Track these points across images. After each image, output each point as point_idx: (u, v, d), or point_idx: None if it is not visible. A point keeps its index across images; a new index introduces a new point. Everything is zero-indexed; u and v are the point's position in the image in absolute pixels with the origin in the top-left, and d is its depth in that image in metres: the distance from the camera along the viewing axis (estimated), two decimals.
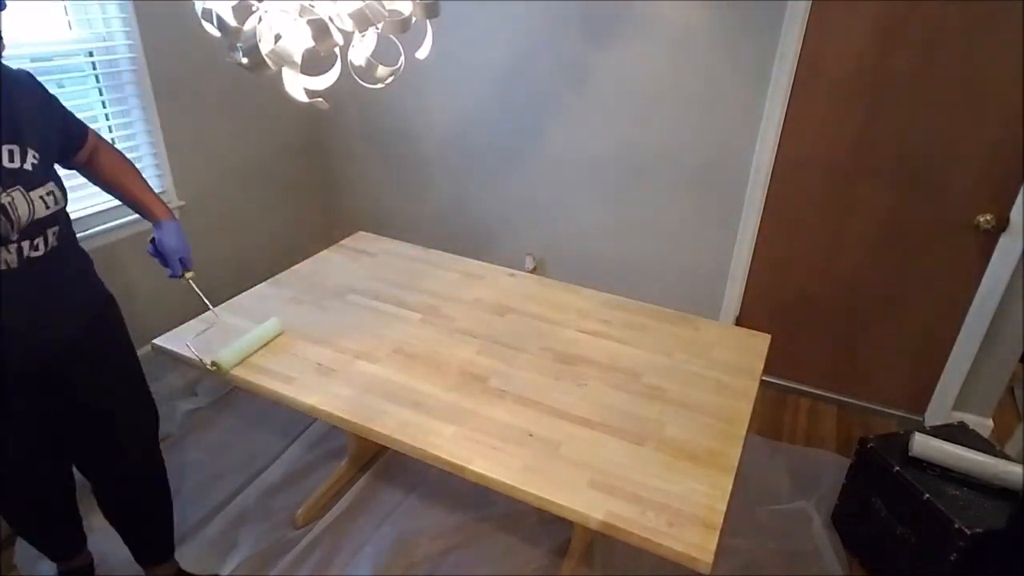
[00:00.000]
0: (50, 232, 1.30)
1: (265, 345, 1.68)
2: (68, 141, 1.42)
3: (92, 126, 2.42)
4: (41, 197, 1.25)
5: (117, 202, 2.30)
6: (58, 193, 1.30)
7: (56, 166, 1.37)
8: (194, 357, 1.61)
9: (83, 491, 2.11)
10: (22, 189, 1.22)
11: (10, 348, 1.30)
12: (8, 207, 1.19)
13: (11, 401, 1.38)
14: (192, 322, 1.79)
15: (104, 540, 1.95)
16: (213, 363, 1.56)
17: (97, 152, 1.51)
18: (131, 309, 2.59)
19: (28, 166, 1.24)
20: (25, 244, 1.24)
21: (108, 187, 1.58)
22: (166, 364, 2.57)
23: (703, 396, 1.56)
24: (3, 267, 1.22)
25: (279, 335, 1.73)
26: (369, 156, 3.21)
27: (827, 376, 2.73)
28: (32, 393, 1.40)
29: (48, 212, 1.27)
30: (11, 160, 1.21)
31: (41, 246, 1.28)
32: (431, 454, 1.36)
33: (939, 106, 2.16)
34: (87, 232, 2.34)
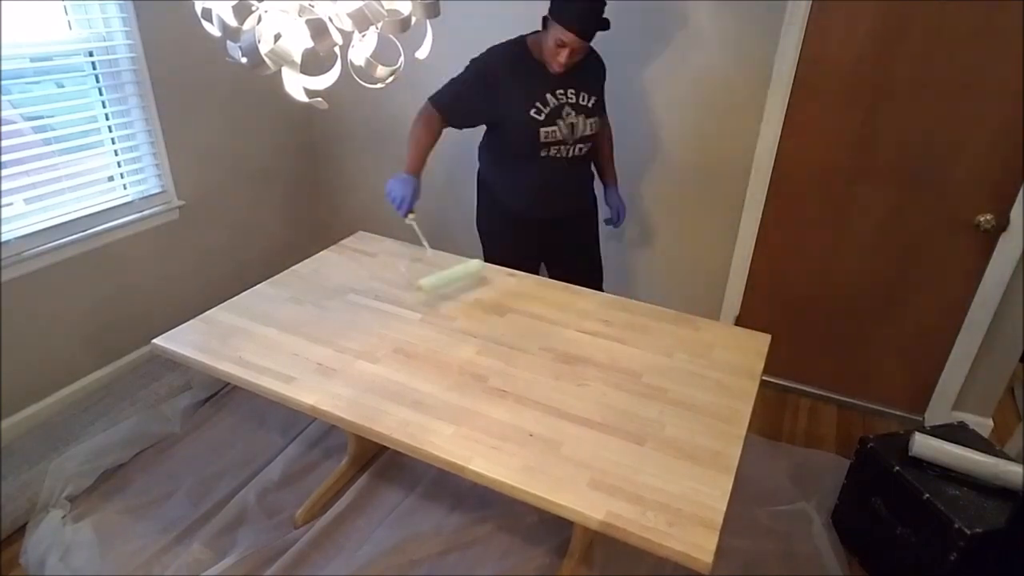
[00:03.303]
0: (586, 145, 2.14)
1: (465, 280, 1.96)
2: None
3: (92, 126, 2.43)
4: (591, 123, 2.09)
5: (117, 202, 2.34)
6: (597, 123, 2.13)
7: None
8: (404, 275, 2.00)
9: (85, 491, 2.11)
10: (584, 116, 2.07)
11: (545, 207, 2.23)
12: (573, 126, 2.05)
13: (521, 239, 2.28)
14: (193, 321, 1.79)
15: (105, 541, 1.95)
16: (419, 286, 1.87)
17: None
18: (131, 309, 2.60)
19: (590, 104, 2.08)
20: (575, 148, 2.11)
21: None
22: (165, 364, 2.57)
23: (703, 396, 1.56)
24: (560, 144, 2.07)
25: (481, 272, 2.01)
26: (369, 156, 3.21)
27: (827, 376, 2.72)
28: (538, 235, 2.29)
29: (590, 132, 2.11)
30: (584, 100, 2.06)
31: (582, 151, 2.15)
32: (431, 454, 1.36)
33: (939, 106, 2.16)
34: (87, 232, 2.34)
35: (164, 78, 2.49)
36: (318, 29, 1.14)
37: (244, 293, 1.96)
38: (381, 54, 1.35)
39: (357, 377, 1.58)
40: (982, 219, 2.23)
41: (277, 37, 1.17)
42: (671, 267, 2.78)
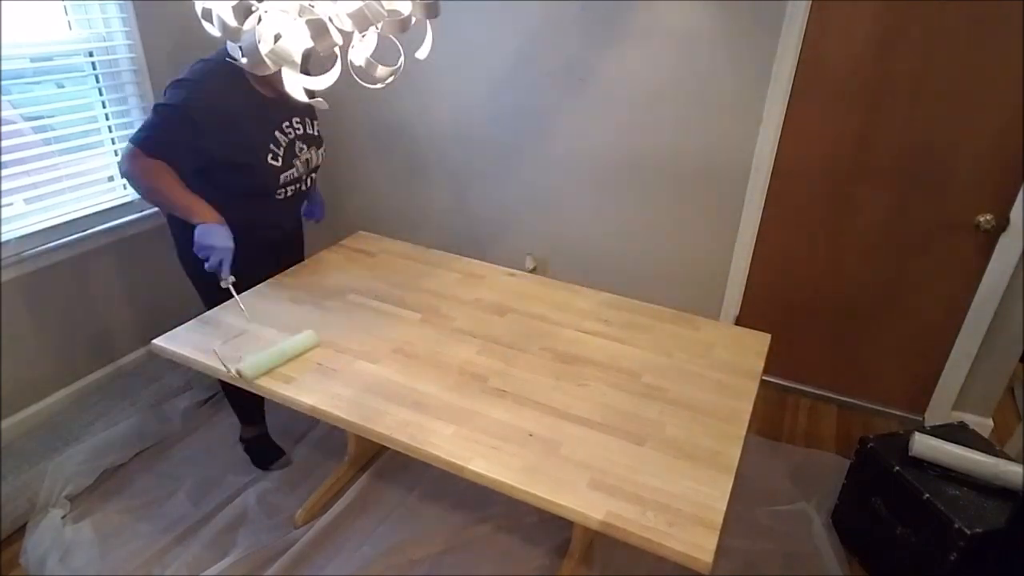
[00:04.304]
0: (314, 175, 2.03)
1: (297, 357, 1.61)
2: None
3: (92, 126, 2.42)
4: (322, 153, 2.00)
5: (116, 202, 2.34)
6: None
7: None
8: (219, 364, 1.56)
9: (85, 491, 2.11)
10: (315, 148, 1.96)
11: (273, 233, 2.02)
12: (308, 162, 1.93)
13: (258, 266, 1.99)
14: (192, 322, 1.79)
15: (105, 541, 1.95)
16: (237, 371, 1.51)
17: None
18: (131, 309, 2.60)
19: (316, 132, 1.96)
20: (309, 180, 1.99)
21: None
22: (165, 364, 2.57)
23: (703, 396, 1.56)
24: (296, 183, 1.92)
25: (315, 347, 1.65)
26: (369, 156, 3.21)
27: (827, 376, 2.73)
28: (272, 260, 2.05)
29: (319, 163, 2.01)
30: (310, 128, 1.93)
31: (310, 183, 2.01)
32: (431, 454, 1.36)
33: (939, 106, 2.16)
34: (87, 232, 2.34)
35: (164, 78, 2.48)
36: (318, 29, 1.14)
37: (244, 293, 1.95)
38: (381, 54, 1.35)
39: (357, 377, 1.58)
40: (982, 219, 2.23)
41: (277, 37, 1.17)
42: (671, 267, 2.78)
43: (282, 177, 1.85)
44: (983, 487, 1.75)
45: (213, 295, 1.81)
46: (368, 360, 1.65)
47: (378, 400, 1.50)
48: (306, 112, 1.92)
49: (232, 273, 1.72)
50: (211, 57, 1.75)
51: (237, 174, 1.79)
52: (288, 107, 1.81)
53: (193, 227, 1.71)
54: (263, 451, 2.29)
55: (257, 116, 1.77)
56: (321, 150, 1.98)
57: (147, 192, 1.75)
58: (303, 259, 2.20)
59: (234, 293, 1.72)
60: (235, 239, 1.73)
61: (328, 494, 2.13)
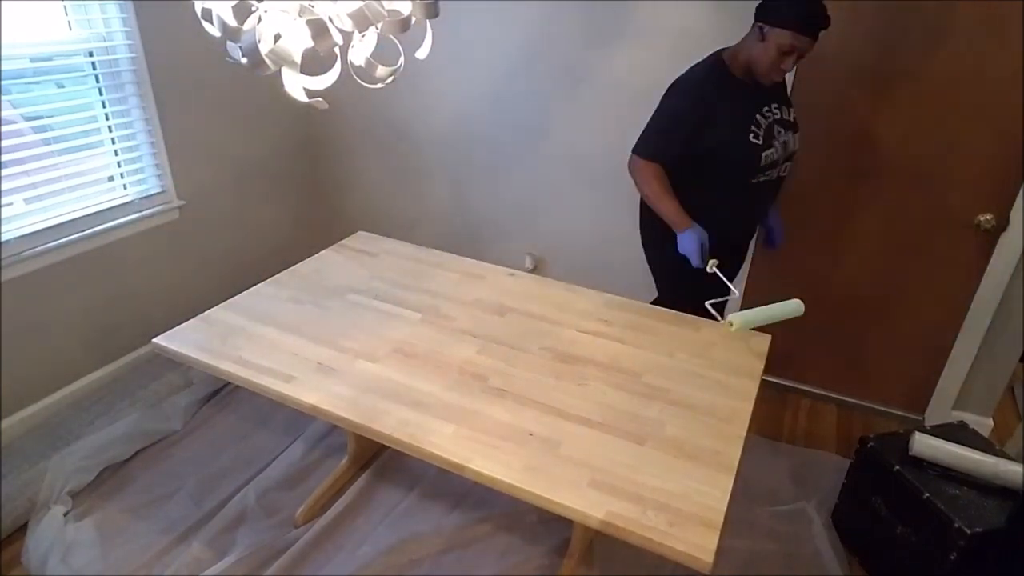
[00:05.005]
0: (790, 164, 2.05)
1: (777, 321, 1.76)
2: None
3: (92, 126, 2.43)
4: (798, 138, 2.01)
5: (117, 202, 2.33)
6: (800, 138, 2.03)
7: None
8: (711, 311, 1.85)
9: (87, 489, 2.12)
10: (792, 133, 1.98)
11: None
12: (785, 144, 1.95)
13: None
14: (193, 321, 1.79)
15: (106, 540, 1.95)
16: (730, 322, 1.75)
17: None
18: (131, 308, 2.60)
19: (791, 118, 1.99)
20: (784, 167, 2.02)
21: None
22: (166, 363, 2.57)
23: (703, 396, 1.56)
24: (774, 168, 1.97)
25: (797, 314, 1.79)
26: (369, 156, 3.21)
27: (827, 376, 2.72)
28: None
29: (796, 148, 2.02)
30: (787, 114, 1.97)
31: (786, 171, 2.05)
32: (431, 453, 1.36)
33: (939, 106, 2.16)
34: (87, 232, 2.34)
35: (164, 78, 2.49)
36: (318, 29, 1.15)
37: (244, 293, 1.96)
38: (381, 54, 1.35)
39: (357, 377, 1.58)
40: (982, 219, 2.23)
41: (277, 37, 1.17)
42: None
43: (763, 156, 1.89)
44: (983, 487, 1.75)
45: (675, 286, 2.16)
46: (368, 360, 1.65)
47: (378, 399, 1.50)
48: (782, 99, 1.97)
49: (690, 276, 1.98)
50: (700, 61, 1.94)
51: (723, 160, 1.91)
52: (766, 93, 1.91)
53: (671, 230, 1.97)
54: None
55: (740, 102, 1.88)
56: (798, 135, 2.00)
57: (642, 194, 2.00)
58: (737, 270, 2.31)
59: (719, 273, 1.91)
60: (712, 229, 1.96)
61: (328, 494, 2.13)
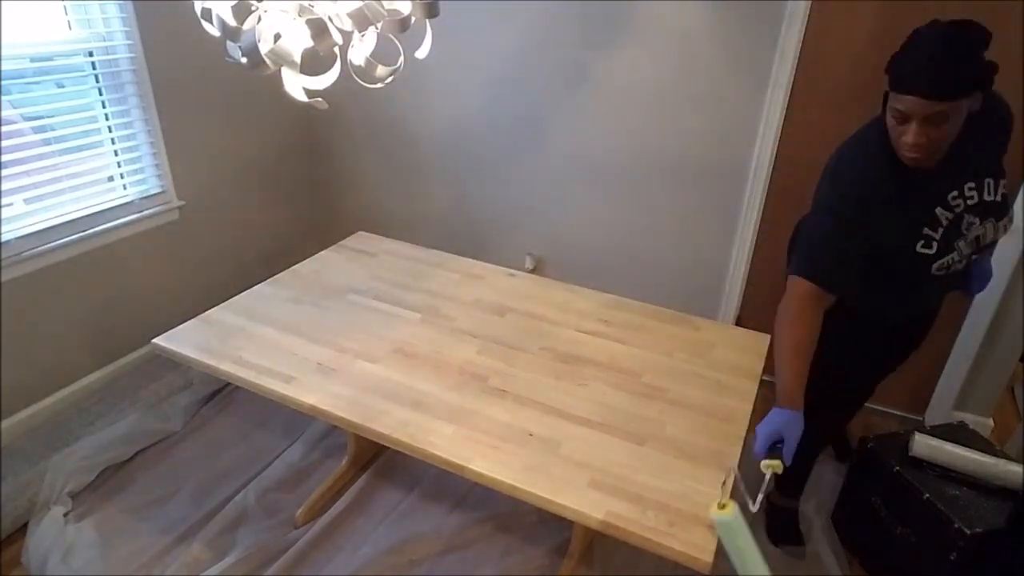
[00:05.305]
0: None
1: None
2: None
3: (92, 126, 2.42)
4: (1003, 225, 1.44)
5: (117, 202, 2.32)
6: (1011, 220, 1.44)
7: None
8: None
9: (87, 489, 2.11)
10: (993, 220, 1.41)
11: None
12: (978, 239, 1.43)
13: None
14: (193, 321, 1.79)
15: (106, 540, 1.95)
16: (722, 503, 1.18)
17: None
18: (131, 309, 2.60)
19: (999, 197, 1.40)
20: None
21: None
22: (165, 363, 2.57)
23: (703, 396, 1.56)
24: (953, 267, 1.45)
25: None
26: (369, 156, 3.21)
27: None
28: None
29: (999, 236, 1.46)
30: (989, 193, 1.39)
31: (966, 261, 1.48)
32: (431, 453, 1.36)
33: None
34: (87, 232, 2.34)
35: (164, 78, 2.49)
36: (318, 29, 1.15)
37: (244, 293, 1.96)
38: (381, 54, 1.35)
39: (357, 377, 1.58)
40: None
41: (277, 37, 1.17)
42: (671, 267, 2.78)
43: (934, 266, 1.43)
44: (983, 487, 1.74)
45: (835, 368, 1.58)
46: (368, 360, 1.65)
47: (378, 400, 1.50)
48: (990, 167, 1.41)
49: (846, 362, 1.65)
50: (850, 140, 1.49)
51: (879, 258, 1.44)
52: (963, 165, 1.37)
53: (843, 325, 1.53)
54: (786, 527, 2.02)
55: (911, 189, 1.38)
56: (1003, 221, 1.43)
57: (774, 334, 1.45)
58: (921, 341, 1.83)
59: (766, 478, 1.29)
60: (858, 326, 1.58)
61: (328, 494, 2.13)
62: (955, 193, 1.39)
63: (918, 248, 1.41)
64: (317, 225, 3.44)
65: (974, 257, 1.52)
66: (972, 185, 1.39)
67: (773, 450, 1.31)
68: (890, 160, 1.38)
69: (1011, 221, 1.44)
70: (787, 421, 1.31)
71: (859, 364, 1.77)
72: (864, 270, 1.44)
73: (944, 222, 1.39)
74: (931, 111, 1.24)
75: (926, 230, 1.40)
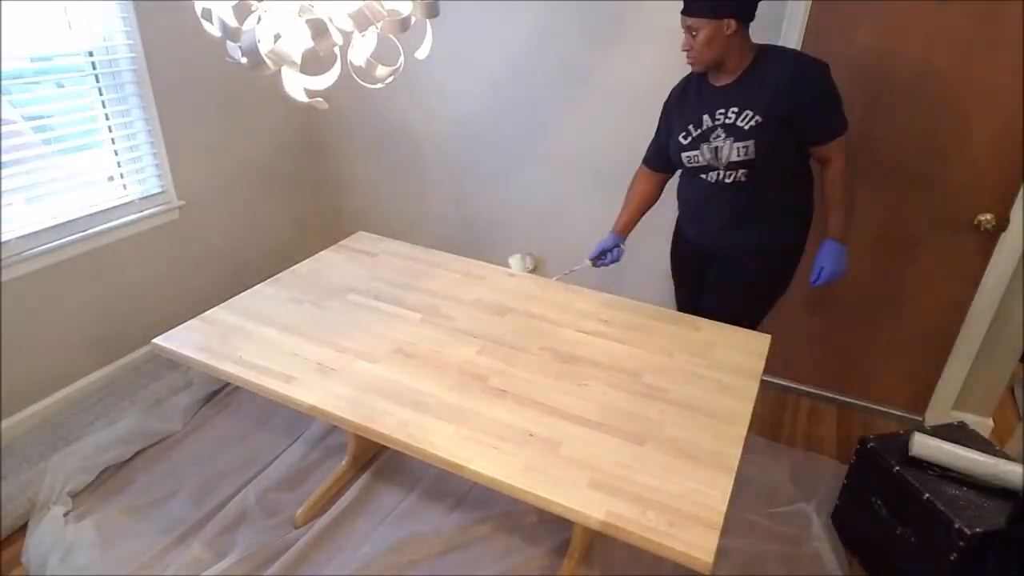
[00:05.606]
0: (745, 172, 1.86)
1: None
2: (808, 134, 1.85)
3: (92, 126, 2.41)
4: (739, 148, 1.82)
5: (117, 202, 2.33)
6: (751, 149, 1.81)
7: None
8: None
9: (87, 489, 2.12)
10: (732, 140, 1.82)
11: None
12: (717, 150, 1.86)
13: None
14: (193, 321, 1.79)
15: (106, 540, 1.95)
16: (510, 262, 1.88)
17: (827, 163, 1.89)
18: (131, 309, 2.60)
19: (747, 126, 1.79)
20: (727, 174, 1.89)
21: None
22: (166, 363, 2.57)
23: (703, 396, 1.56)
24: (696, 163, 1.91)
25: None
26: (369, 156, 3.21)
27: (827, 376, 2.72)
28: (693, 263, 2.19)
29: (739, 159, 1.84)
30: (742, 121, 1.80)
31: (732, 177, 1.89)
32: (431, 453, 1.36)
33: (939, 106, 2.16)
34: (87, 232, 2.34)
35: (164, 78, 2.49)
36: (318, 29, 1.15)
37: (244, 293, 1.96)
38: (381, 54, 1.35)
39: (357, 377, 1.58)
40: (982, 219, 2.23)
41: (277, 37, 1.17)
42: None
43: (684, 156, 1.92)
44: (983, 487, 1.75)
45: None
46: (368, 360, 1.65)
47: (378, 400, 1.50)
48: (756, 103, 1.78)
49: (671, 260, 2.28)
50: None
51: (676, 154, 1.97)
52: (739, 93, 1.80)
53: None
54: None
55: (697, 97, 1.89)
56: (742, 144, 1.80)
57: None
58: (736, 305, 2.05)
59: (570, 271, 2.15)
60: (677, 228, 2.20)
61: (328, 494, 2.13)
62: (722, 110, 1.82)
63: (679, 138, 1.90)
64: (317, 225, 3.45)
65: (740, 178, 1.88)
66: (736, 110, 1.80)
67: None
68: (699, 78, 1.90)
69: (748, 152, 1.80)
70: (610, 238, 2.11)
71: (675, 269, 2.31)
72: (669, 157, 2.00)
73: (703, 126, 1.85)
74: (686, 24, 1.74)
75: (690, 126, 1.88)
